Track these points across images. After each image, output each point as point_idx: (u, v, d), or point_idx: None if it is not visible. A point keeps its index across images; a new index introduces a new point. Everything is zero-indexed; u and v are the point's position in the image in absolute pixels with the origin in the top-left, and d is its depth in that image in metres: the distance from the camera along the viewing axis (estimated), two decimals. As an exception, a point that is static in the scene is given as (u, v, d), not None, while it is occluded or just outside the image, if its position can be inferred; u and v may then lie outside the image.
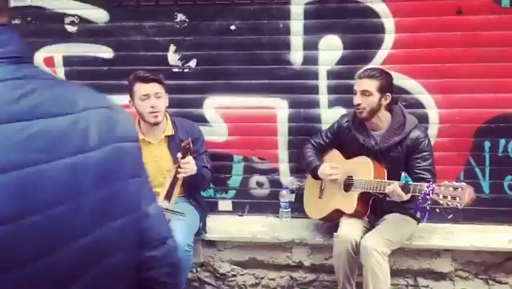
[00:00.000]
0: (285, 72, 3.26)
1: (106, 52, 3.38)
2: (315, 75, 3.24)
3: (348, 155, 3.00)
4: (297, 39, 3.20)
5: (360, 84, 2.80)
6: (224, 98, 3.37)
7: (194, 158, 3.02)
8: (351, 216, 2.89)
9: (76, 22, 3.34)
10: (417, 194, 2.53)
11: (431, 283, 3.19)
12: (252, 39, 3.24)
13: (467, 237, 3.14)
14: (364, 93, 2.77)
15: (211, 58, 3.30)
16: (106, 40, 3.35)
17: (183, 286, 3.01)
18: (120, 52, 3.37)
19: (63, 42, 3.39)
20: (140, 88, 2.92)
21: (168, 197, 2.98)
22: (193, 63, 3.33)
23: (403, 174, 2.64)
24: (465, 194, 2.40)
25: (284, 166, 3.45)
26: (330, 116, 3.27)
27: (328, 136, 3.09)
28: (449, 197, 2.44)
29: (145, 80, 2.93)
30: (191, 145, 2.87)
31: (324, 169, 2.96)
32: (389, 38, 3.11)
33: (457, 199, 2.42)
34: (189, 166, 2.88)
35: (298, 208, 3.48)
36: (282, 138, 3.39)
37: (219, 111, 3.40)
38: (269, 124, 3.37)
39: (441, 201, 2.46)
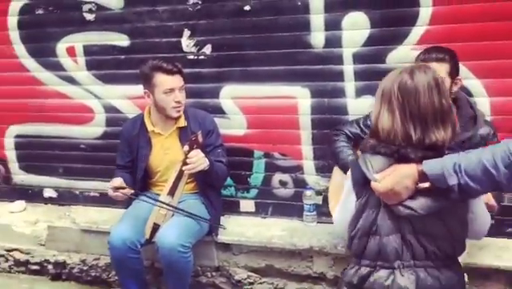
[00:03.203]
0: (305, 56, 2.87)
1: (122, 40, 3.23)
2: (340, 59, 2.82)
3: None
4: (317, 18, 2.80)
5: None
6: (241, 87, 3.05)
7: (208, 152, 2.78)
8: None
9: (93, 9, 3.22)
10: None
11: (480, 311, 2.62)
12: (268, 20, 2.89)
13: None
14: None
15: (226, 43, 3.01)
16: (121, 27, 3.21)
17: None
18: (136, 39, 3.20)
19: (83, 31, 3.31)
20: (164, 81, 2.73)
21: (172, 192, 2.76)
22: (207, 49, 3.06)
23: None
24: None
25: (309, 164, 3.05)
26: (358, 106, 2.84)
27: (368, 125, 2.53)
28: None
29: (170, 72, 2.73)
30: (199, 138, 2.63)
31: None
32: (425, 12, 2.59)
33: None
34: (196, 160, 2.62)
35: (327, 211, 3.07)
36: (306, 132, 3.00)
37: (237, 102, 3.10)
38: (290, 115, 3.00)
39: None
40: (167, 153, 2.88)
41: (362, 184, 1.63)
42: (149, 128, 2.87)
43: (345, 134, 2.61)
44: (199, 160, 2.64)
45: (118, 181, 2.67)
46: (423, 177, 1.44)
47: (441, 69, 2.23)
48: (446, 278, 1.63)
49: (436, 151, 1.54)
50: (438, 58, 2.26)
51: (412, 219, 1.58)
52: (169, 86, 2.72)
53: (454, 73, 2.28)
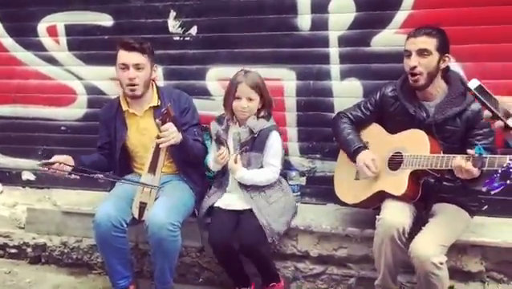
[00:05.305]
0: (291, 39, 2.92)
1: (106, 20, 3.20)
2: (325, 42, 2.88)
3: (391, 130, 2.59)
4: (304, 1, 2.85)
5: (416, 43, 2.37)
6: (227, 68, 3.07)
7: (184, 131, 2.77)
8: (397, 199, 2.45)
9: (77, -13, 3.19)
10: (493, 169, 2.02)
11: (457, 284, 2.73)
12: (255, 2, 2.93)
13: (500, 231, 2.65)
14: (422, 53, 2.35)
15: (212, 24, 3.03)
16: (105, 7, 3.18)
17: (173, 270, 2.78)
18: (120, 20, 3.18)
19: (65, 11, 3.26)
20: (121, 56, 2.72)
21: (152, 169, 2.74)
22: (193, 31, 3.07)
23: (477, 145, 2.20)
24: None
25: (293, 145, 3.11)
26: (342, 88, 2.91)
27: (369, 108, 2.67)
28: None
29: (127, 48, 2.71)
30: (171, 111, 2.60)
31: (366, 157, 2.54)
32: (410, -4, 2.69)
33: None
34: (169, 134, 2.59)
35: (311, 192, 3.15)
36: (291, 114, 3.06)
37: (222, 84, 3.11)
38: (275, 97, 3.00)
39: None
40: (144, 134, 2.86)
41: None
42: (124, 107, 2.85)
43: (347, 118, 2.70)
44: (172, 134, 2.61)
45: (53, 158, 2.64)
46: None
47: (430, 42, 2.35)
48: None
49: None
50: (427, 32, 2.37)
51: None
52: (122, 61, 2.70)
53: (442, 49, 2.38)
